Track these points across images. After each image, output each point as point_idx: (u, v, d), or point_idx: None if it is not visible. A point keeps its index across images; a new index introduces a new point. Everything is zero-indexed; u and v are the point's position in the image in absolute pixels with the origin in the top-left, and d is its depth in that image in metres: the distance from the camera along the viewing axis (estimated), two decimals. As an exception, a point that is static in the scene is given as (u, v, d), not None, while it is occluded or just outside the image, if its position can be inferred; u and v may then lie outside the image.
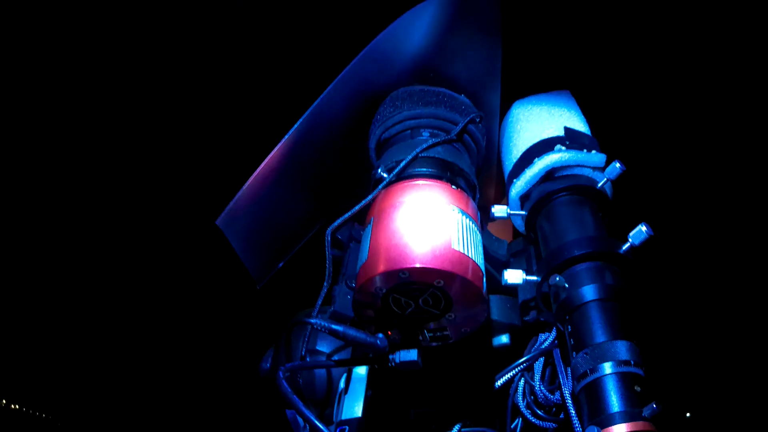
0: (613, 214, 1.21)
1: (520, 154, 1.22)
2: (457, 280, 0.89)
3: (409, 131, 1.14)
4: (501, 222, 1.30)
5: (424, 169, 1.04)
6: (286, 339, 1.14)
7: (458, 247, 0.91)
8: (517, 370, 1.13)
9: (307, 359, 1.14)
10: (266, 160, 1.14)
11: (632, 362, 0.92)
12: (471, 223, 0.98)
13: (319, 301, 1.02)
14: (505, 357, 1.20)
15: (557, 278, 1.02)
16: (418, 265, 0.88)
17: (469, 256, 0.92)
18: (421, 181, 1.01)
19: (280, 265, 1.38)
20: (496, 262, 1.20)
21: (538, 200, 1.17)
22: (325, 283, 1.02)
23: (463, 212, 0.98)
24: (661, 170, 2.12)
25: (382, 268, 0.90)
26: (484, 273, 0.96)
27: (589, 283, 1.02)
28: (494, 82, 1.24)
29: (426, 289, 0.90)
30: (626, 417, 0.87)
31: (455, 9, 1.16)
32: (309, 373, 1.16)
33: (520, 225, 1.24)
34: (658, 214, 2.04)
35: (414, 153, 1.03)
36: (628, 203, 1.44)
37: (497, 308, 1.16)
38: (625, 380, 0.90)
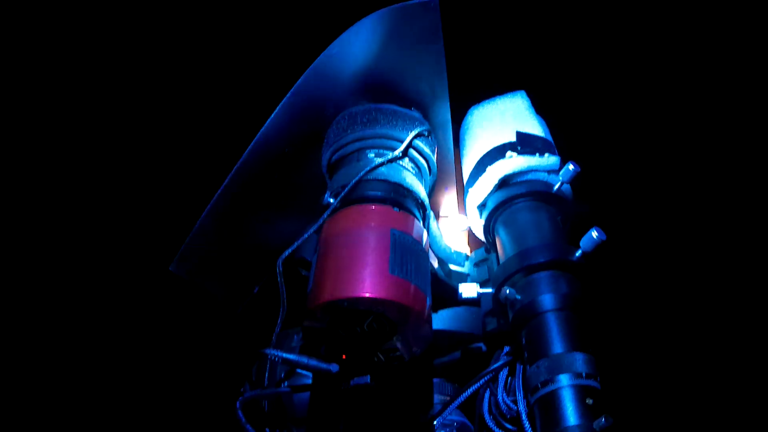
0: (573, 215, 1.23)
1: (474, 162, 1.25)
2: (395, 305, 0.92)
3: (356, 153, 1.17)
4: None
5: (369, 192, 1.08)
6: (257, 368, 1.19)
7: (396, 272, 0.95)
8: (482, 381, 1.16)
9: (285, 385, 1.19)
10: (217, 195, 1.18)
11: (588, 374, 0.94)
12: (413, 244, 1.01)
13: (277, 329, 1.06)
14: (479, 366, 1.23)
15: (507, 291, 1.04)
16: (355, 295, 0.91)
17: (408, 279, 0.95)
18: (363, 206, 1.04)
19: (256, 290, 1.43)
20: (458, 275, 1.23)
21: (493, 208, 1.20)
22: (280, 311, 1.06)
23: (405, 234, 1.01)
24: (625, 166, 2.13)
25: (323, 298, 0.94)
26: (427, 293, 0.99)
27: (542, 293, 1.04)
28: (442, 92, 1.26)
29: (368, 315, 0.94)
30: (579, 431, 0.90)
31: (394, 23, 1.18)
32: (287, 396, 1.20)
33: (480, 233, 1.26)
34: (623, 211, 2.06)
35: (357, 177, 1.07)
36: (598, 203, 1.46)
37: (461, 319, 1.19)
38: (579, 393, 0.92)
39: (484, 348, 1.21)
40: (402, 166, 1.16)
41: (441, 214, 1.44)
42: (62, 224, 2.17)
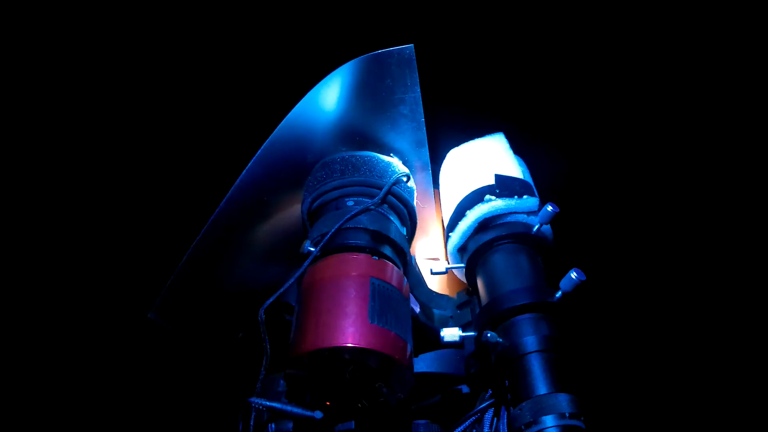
0: (553, 255, 1.26)
1: (454, 206, 1.28)
2: (376, 354, 0.94)
3: (335, 201, 1.21)
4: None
5: (348, 241, 1.11)
6: (243, 416, 1.20)
7: (376, 321, 0.97)
8: (467, 423, 1.18)
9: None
10: (196, 241, 1.21)
11: (572, 414, 0.95)
12: (392, 292, 1.04)
13: (261, 376, 1.08)
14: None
15: (488, 334, 1.07)
16: (335, 344, 0.94)
17: (388, 328, 0.98)
18: (342, 255, 1.07)
19: (240, 335, 1.45)
20: (441, 318, 1.26)
21: (474, 252, 1.23)
22: (264, 360, 1.08)
23: (384, 283, 1.04)
24: (605, 204, 2.19)
25: (305, 347, 0.96)
26: (407, 340, 1.01)
27: (523, 335, 1.06)
28: (421, 137, 1.30)
29: (350, 363, 0.96)
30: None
31: (371, 71, 1.22)
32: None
33: (462, 276, 1.29)
34: (604, 250, 2.10)
35: (336, 226, 1.10)
36: (579, 241, 1.50)
37: (445, 362, 1.21)
38: (562, 434, 0.93)
39: (467, 390, 1.23)
40: (381, 213, 1.19)
41: (424, 256, 1.46)
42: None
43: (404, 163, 1.33)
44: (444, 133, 1.48)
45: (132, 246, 2.19)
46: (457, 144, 1.47)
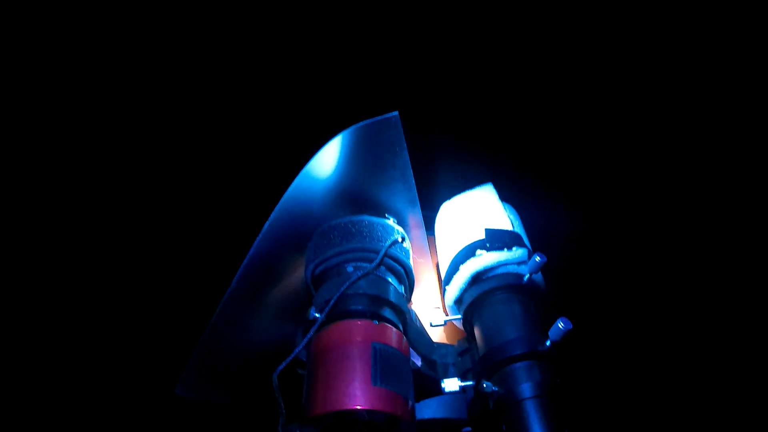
0: (546, 302, 1.36)
1: (448, 262, 1.39)
2: (380, 413, 1.06)
3: (336, 267, 1.32)
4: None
5: (350, 307, 1.22)
6: None
7: (379, 382, 1.08)
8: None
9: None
10: (215, 316, 1.32)
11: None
12: (393, 354, 1.15)
13: (279, 432, 1.19)
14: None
15: (485, 384, 1.18)
16: (342, 408, 1.05)
17: (390, 388, 1.09)
18: (346, 323, 1.19)
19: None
20: (443, 367, 1.36)
21: (470, 303, 1.33)
22: (280, 420, 1.19)
23: (385, 346, 1.15)
24: (594, 247, 2.30)
25: (315, 411, 1.08)
26: (409, 396, 1.12)
27: (518, 382, 1.17)
28: (412, 197, 1.40)
29: (357, 422, 1.07)
30: None
31: (361, 139, 1.33)
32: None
33: (460, 325, 1.40)
34: (593, 295, 2.20)
35: (337, 294, 1.21)
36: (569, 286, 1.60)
37: (447, 407, 1.31)
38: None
39: (469, 430, 1.33)
40: (379, 276, 1.30)
41: (423, 304, 1.57)
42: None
43: (399, 222, 1.43)
44: (438, 181, 1.59)
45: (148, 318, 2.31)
46: (450, 191, 1.57)
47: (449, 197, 1.55)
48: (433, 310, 1.55)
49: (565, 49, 2.35)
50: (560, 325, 1.17)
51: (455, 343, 1.44)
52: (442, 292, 1.39)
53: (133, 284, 2.32)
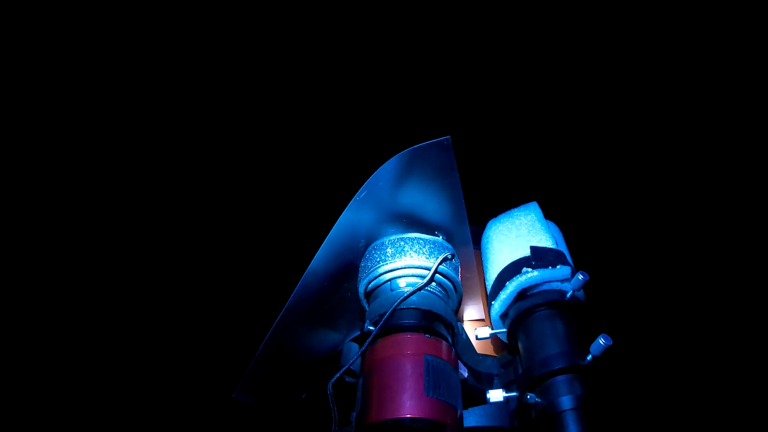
0: (587, 318, 1.46)
1: (494, 277, 1.49)
2: (432, 422, 1.17)
3: (388, 282, 1.43)
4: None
5: (403, 321, 1.33)
6: None
7: (431, 393, 1.19)
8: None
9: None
10: (274, 325, 1.44)
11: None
12: (444, 366, 1.26)
13: (332, 442, 1.31)
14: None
15: (528, 396, 1.28)
16: (397, 416, 1.16)
17: (442, 399, 1.20)
18: (399, 336, 1.30)
19: (303, 396, 1.68)
20: (487, 377, 1.47)
21: (514, 318, 1.43)
22: (333, 427, 1.31)
23: (436, 358, 1.26)
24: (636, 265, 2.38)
25: (371, 419, 1.19)
26: (458, 406, 1.23)
27: (559, 395, 1.27)
28: (461, 216, 1.50)
29: (409, 429, 1.18)
30: None
31: (414, 161, 1.42)
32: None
33: (504, 338, 1.50)
34: (633, 312, 2.29)
35: (391, 308, 1.32)
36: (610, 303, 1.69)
37: (491, 416, 1.41)
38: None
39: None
40: (430, 292, 1.41)
41: (470, 318, 1.67)
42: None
43: (448, 240, 1.53)
44: (485, 198, 1.69)
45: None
46: (497, 208, 1.67)
47: (496, 214, 1.65)
48: (478, 323, 1.65)
49: (614, 68, 2.43)
50: (601, 341, 1.26)
51: (498, 356, 1.54)
52: (488, 306, 1.49)
53: (195, 290, 2.47)
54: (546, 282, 1.43)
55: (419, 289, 1.38)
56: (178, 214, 2.59)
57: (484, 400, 1.39)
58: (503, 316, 1.47)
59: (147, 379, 2.40)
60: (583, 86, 2.51)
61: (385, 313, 1.33)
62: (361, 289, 1.46)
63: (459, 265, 1.52)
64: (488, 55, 2.54)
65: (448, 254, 1.46)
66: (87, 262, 2.46)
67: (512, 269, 1.45)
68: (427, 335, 1.30)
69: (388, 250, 1.46)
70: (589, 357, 1.28)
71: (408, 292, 1.36)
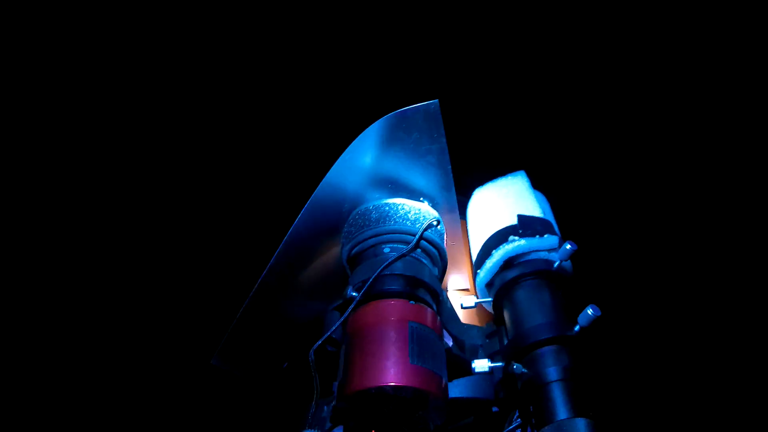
0: (573, 288, 1.44)
1: (480, 246, 1.47)
2: (416, 390, 1.14)
3: (372, 248, 1.40)
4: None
5: (386, 287, 1.30)
6: None
7: (416, 361, 1.17)
8: (496, 444, 1.37)
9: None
10: (253, 291, 1.41)
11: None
12: (428, 333, 1.24)
13: (310, 412, 1.28)
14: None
15: (514, 366, 1.26)
16: (381, 384, 1.14)
17: (426, 366, 1.17)
18: (382, 302, 1.27)
19: (285, 365, 1.66)
20: (471, 348, 1.45)
21: (500, 287, 1.41)
22: (314, 395, 1.28)
23: (420, 325, 1.23)
24: (624, 236, 2.38)
25: (353, 387, 1.16)
26: (443, 374, 1.21)
27: (545, 366, 1.25)
28: (448, 183, 1.47)
29: (393, 398, 1.16)
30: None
31: (401, 125, 1.39)
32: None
33: (490, 308, 1.48)
34: (619, 284, 2.28)
35: (374, 274, 1.29)
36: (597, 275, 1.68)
37: (476, 387, 1.40)
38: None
39: (496, 409, 1.42)
40: (415, 258, 1.38)
41: (454, 287, 1.65)
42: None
43: (433, 206, 1.51)
44: (470, 168, 1.66)
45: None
46: (483, 178, 1.65)
47: (482, 183, 1.62)
48: (463, 292, 1.63)
49: (603, 39, 2.41)
50: (589, 311, 1.25)
51: (483, 325, 1.52)
52: (474, 275, 1.47)
53: (173, 259, 2.43)
54: (533, 251, 1.41)
55: (404, 255, 1.35)
56: (158, 186, 2.54)
57: (469, 371, 1.36)
58: (489, 285, 1.45)
59: (124, 345, 2.36)
60: (572, 56, 2.48)
61: (368, 279, 1.30)
62: (344, 255, 1.43)
63: (444, 232, 1.49)
64: (480, 20, 2.51)
65: (433, 220, 1.43)
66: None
67: (499, 237, 1.43)
68: (411, 302, 1.27)
69: (373, 215, 1.44)
70: (577, 328, 1.27)
71: (392, 258, 1.33)
